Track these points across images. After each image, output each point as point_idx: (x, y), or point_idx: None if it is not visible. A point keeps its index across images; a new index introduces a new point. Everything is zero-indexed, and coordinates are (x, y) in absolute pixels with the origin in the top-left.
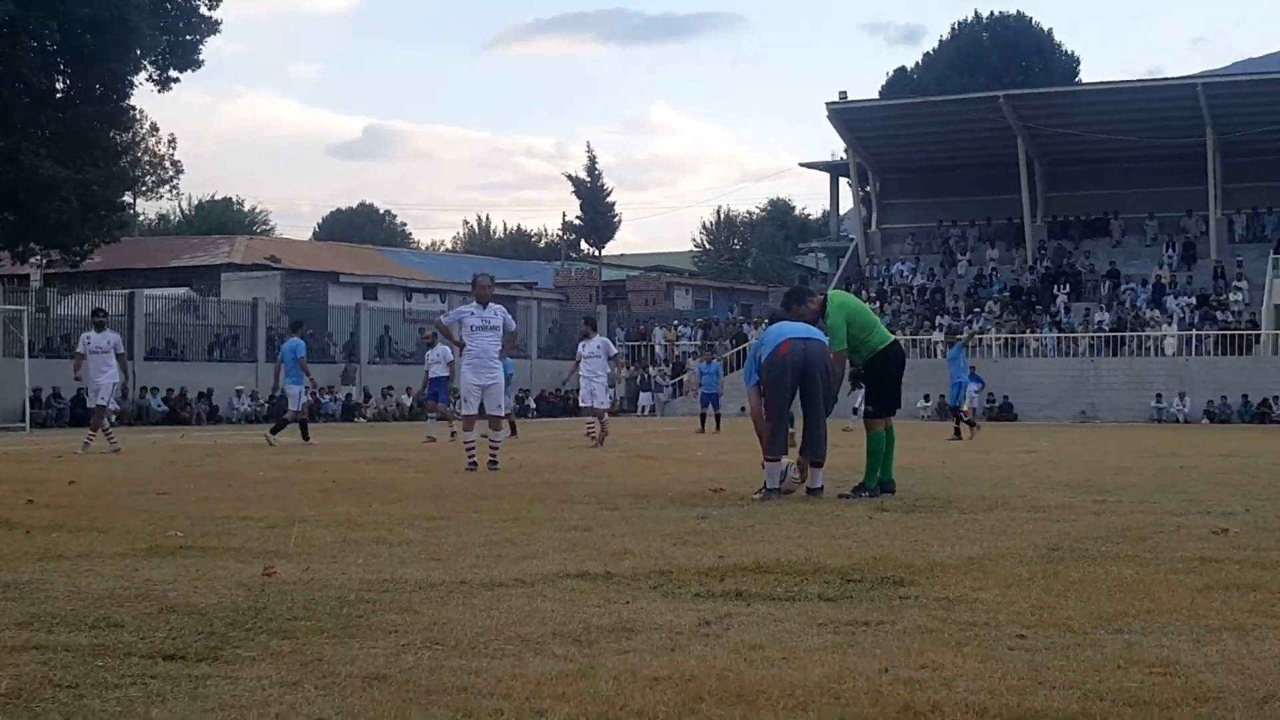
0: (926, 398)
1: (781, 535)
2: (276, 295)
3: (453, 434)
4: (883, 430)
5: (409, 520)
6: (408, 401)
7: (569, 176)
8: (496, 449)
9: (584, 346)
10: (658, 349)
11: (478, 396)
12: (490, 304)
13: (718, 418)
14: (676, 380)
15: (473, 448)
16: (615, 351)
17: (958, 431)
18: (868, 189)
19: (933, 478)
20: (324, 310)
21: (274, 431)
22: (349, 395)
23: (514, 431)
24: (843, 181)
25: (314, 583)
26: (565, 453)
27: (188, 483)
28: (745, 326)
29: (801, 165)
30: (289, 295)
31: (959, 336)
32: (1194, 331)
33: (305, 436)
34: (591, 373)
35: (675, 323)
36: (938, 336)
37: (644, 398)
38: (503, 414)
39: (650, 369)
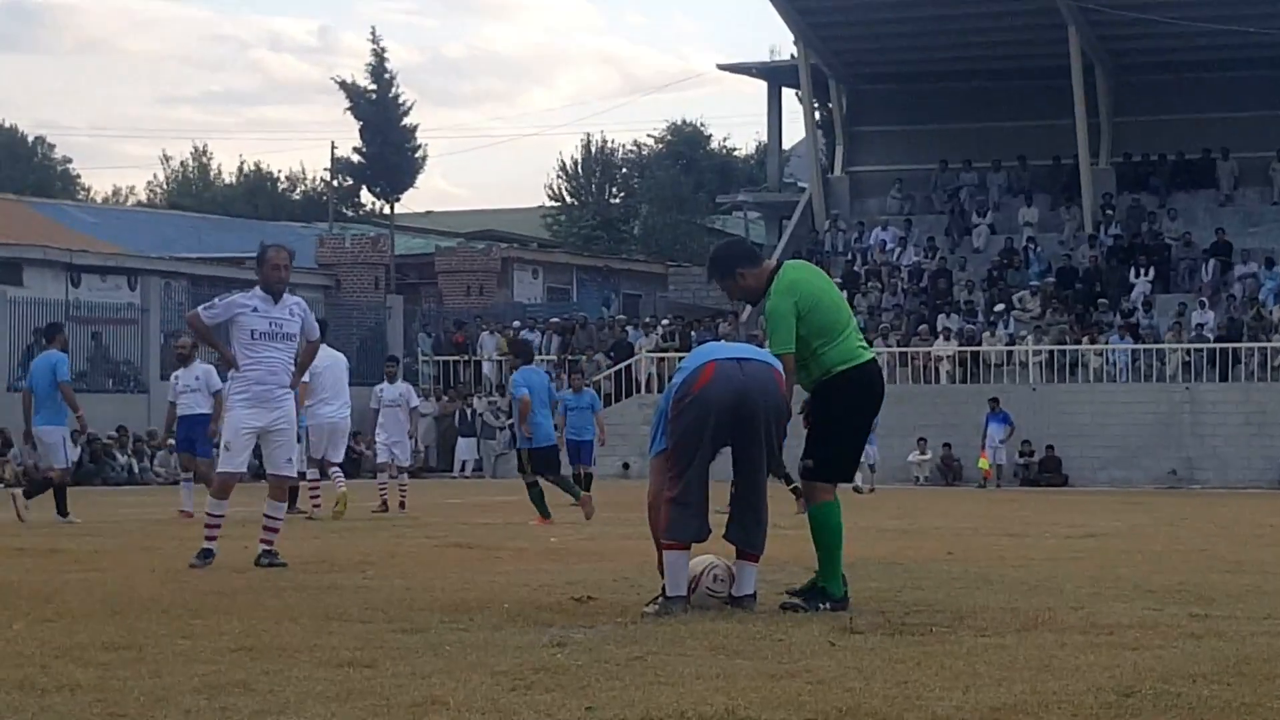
0: (922, 446)
1: (689, 673)
2: None
3: (190, 513)
4: (834, 500)
5: (75, 651)
6: (72, 454)
7: (340, 84)
8: (274, 531)
9: (383, 391)
10: (487, 368)
11: (249, 444)
12: (284, 295)
13: (588, 478)
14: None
15: (217, 525)
16: (417, 403)
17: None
18: (829, 108)
19: (933, 577)
20: None
21: (29, 494)
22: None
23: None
24: (788, 95)
25: None
26: (336, 536)
27: None
28: (632, 332)
29: (722, 68)
30: None
31: None
32: None
33: (62, 510)
34: (392, 421)
35: (516, 324)
36: (942, 348)
37: (464, 447)
38: (293, 474)
39: (475, 401)
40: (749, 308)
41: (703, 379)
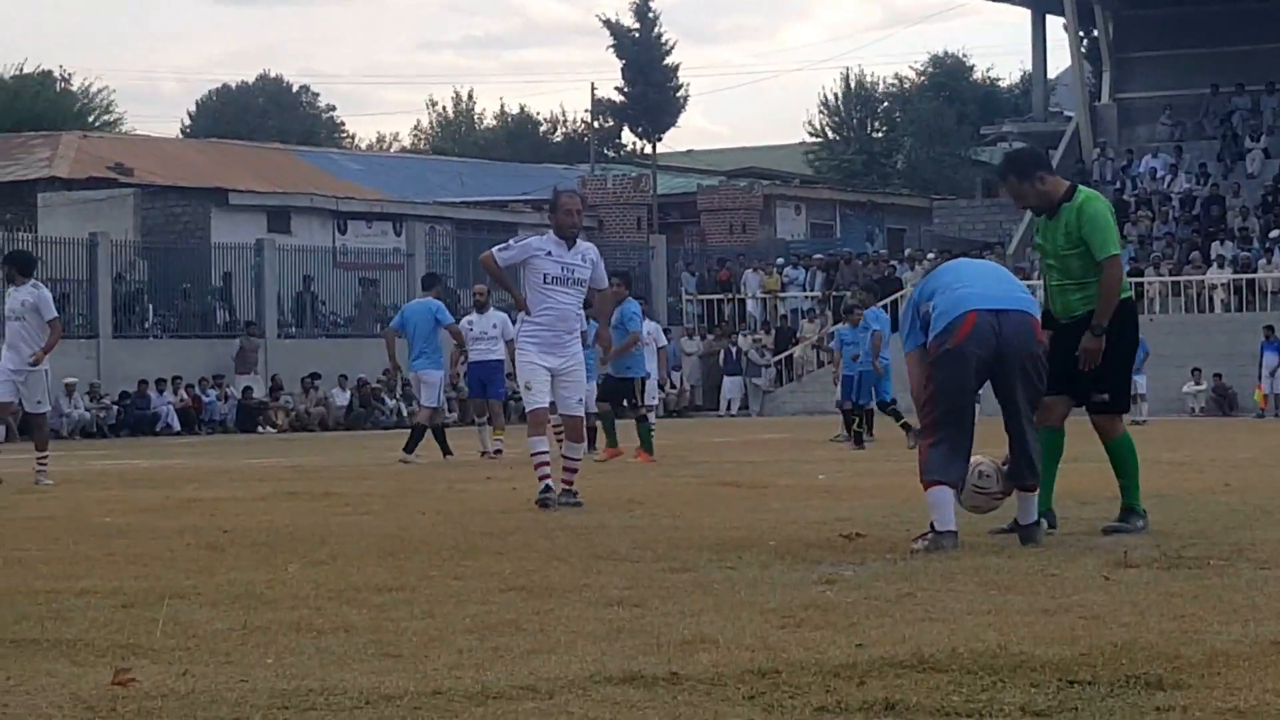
0: (1196, 376)
1: (960, 609)
2: (128, 227)
3: (496, 451)
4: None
5: (349, 593)
6: (343, 399)
7: (605, 23)
8: (573, 471)
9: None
10: (751, 306)
11: (547, 380)
12: (577, 241)
13: (869, 415)
14: (784, 356)
15: (547, 463)
16: (665, 343)
17: (859, 437)
18: (1094, 34)
19: (1210, 509)
20: (205, 251)
21: (409, 448)
22: (247, 389)
23: (592, 443)
24: (1052, 23)
25: (195, 697)
26: (604, 476)
27: None
28: (899, 267)
29: None
30: (148, 227)
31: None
32: None
33: (445, 448)
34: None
35: (780, 261)
36: (1216, 276)
37: (730, 386)
38: (583, 414)
39: (739, 339)
40: (1015, 239)
41: (961, 332)
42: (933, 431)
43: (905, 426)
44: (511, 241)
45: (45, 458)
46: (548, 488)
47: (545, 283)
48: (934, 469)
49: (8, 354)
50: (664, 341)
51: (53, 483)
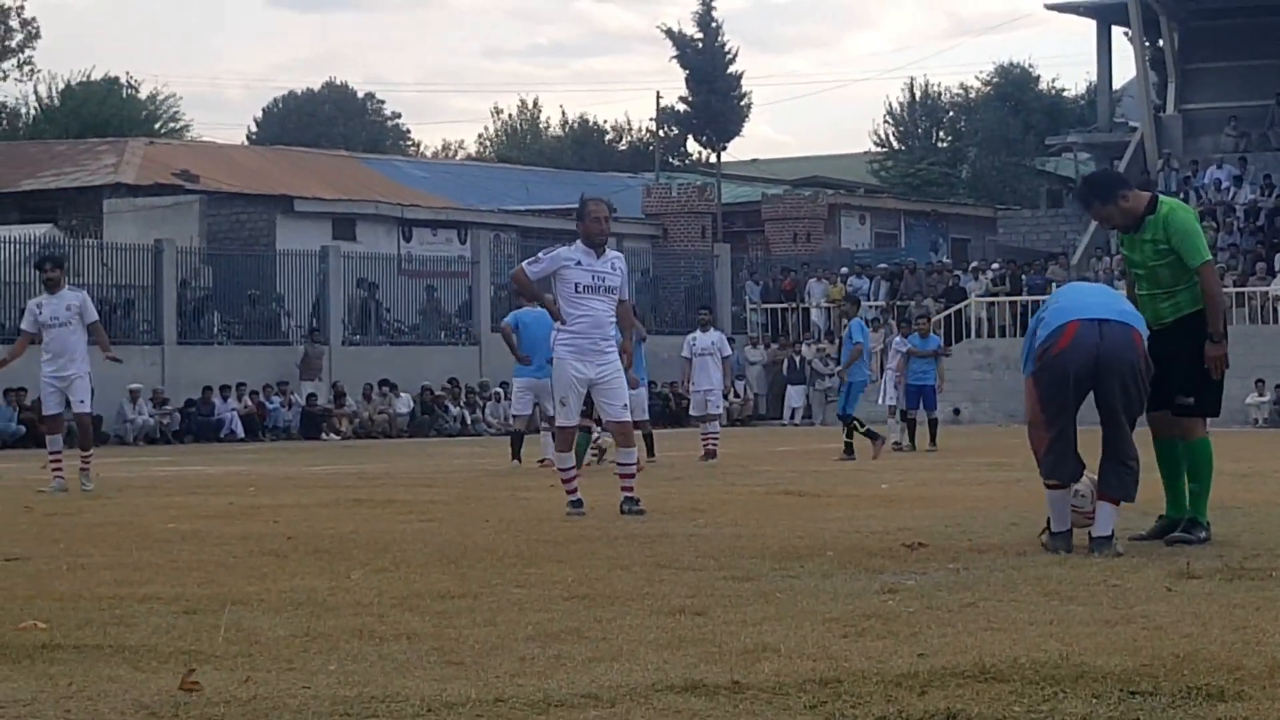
0: (1260, 387)
1: (1022, 619)
2: (193, 234)
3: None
4: (1208, 435)
5: (411, 600)
6: (407, 407)
7: (667, 32)
8: (631, 477)
9: (696, 340)
10: (815, 315)
11: (581, 395)
12: (606, 249)
13: (933, 425)
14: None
15: (574, 477)
16: (730, 352)
17: (849, 448)
18: (1160, 45)
19: (1273, 520)
20: (270, 258)
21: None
22: (311, 396)
23: (651, 451)
24: (1117, 34)
25: (257, 703)
26: (666, 485)
27: (55, 541)
28: (962, 276)
29: (1050, 8)
30: (214, 233)
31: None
32: None
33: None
34: (704, 369)
35: (844, 270)
36: None
37: (794, 395)
38: (630, 420)
39: (803, 348)
40: (1080, 249)
41: (1063, 341)
42: (1050, 431)
43: (870, 434)
44: (541, 254)
45: (89, 457)
46: (578, 501)
47: (577, 292)
48: (1052, 470)
49: (49, 364)
50: (728, 351)
51: (92, 486)
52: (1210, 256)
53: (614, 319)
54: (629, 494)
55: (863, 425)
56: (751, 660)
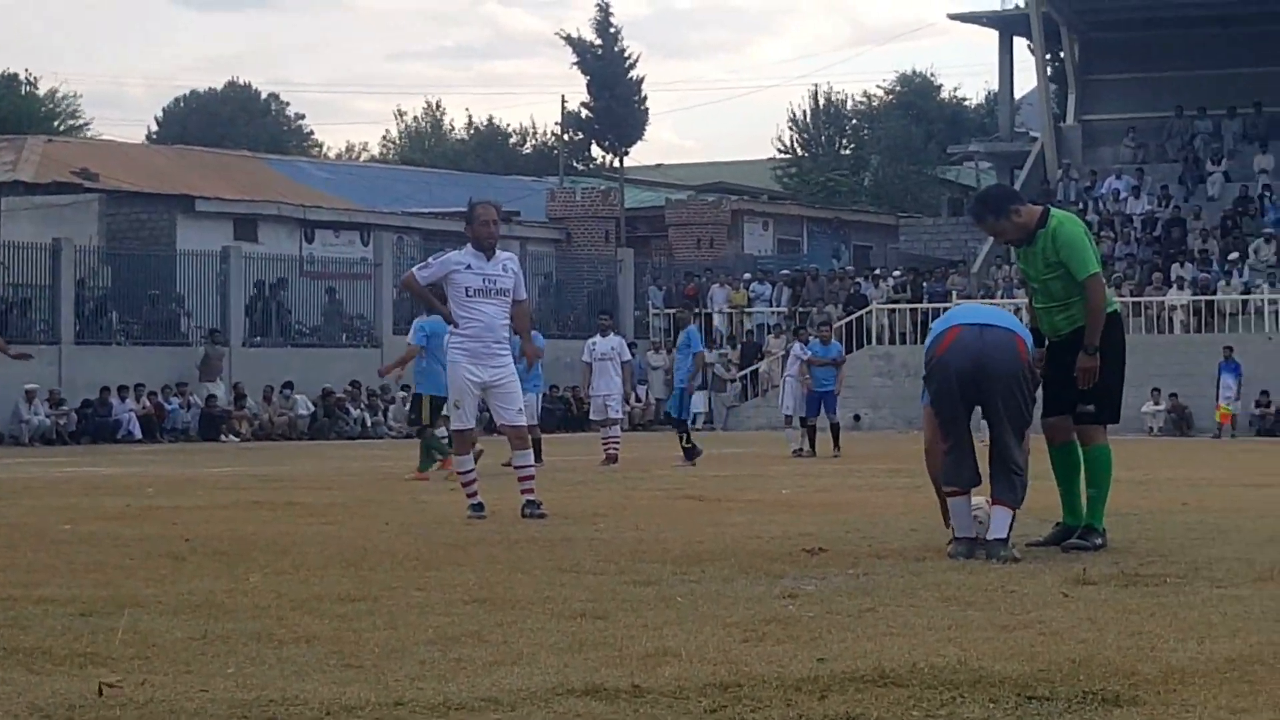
0: (1156, 396)
1: (921, 624)
2: (92, 233)
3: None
4: (1108, 443)
5: (311, 603)
6: (307, 409)
7: (568, 38)
8: (530, 479)
9: (596, 345)
10: (718, 321)
11: (476, 398)
12: (496, 251)
13: (835, 430)
14: (749, 371)
15: (474, 480)
16: (629, 357)
17: (687, 453)
18: (1060, 56)
19: (1168, 527)
20: (171, 258)
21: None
22: (210, 398)
23: (539, 456)
24: (1019, 45)
25: (154, 706)
26: (567, 489)
27: None
28: (863, 283)
29: (952, 17)
30: (113, 233)
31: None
32: None
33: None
34: (605, 374)
35: (747, 277)
36: (1176, 298)
37: (696, 400)
38: (525, 423)
39: (706, 354)
40: (980, 258)
41: (944, 344)
42: (946, 439)
43: (690, 448)
44: (431, 259)
45: None
46: (479, 504)
47: (468, 296)
48: (947, 477)
49: None
50: (628, 356)
51: None
52: (1097, 269)
53: (507, 321)
54: (529, 496)
55: (689, 438)
56: (652, 664)
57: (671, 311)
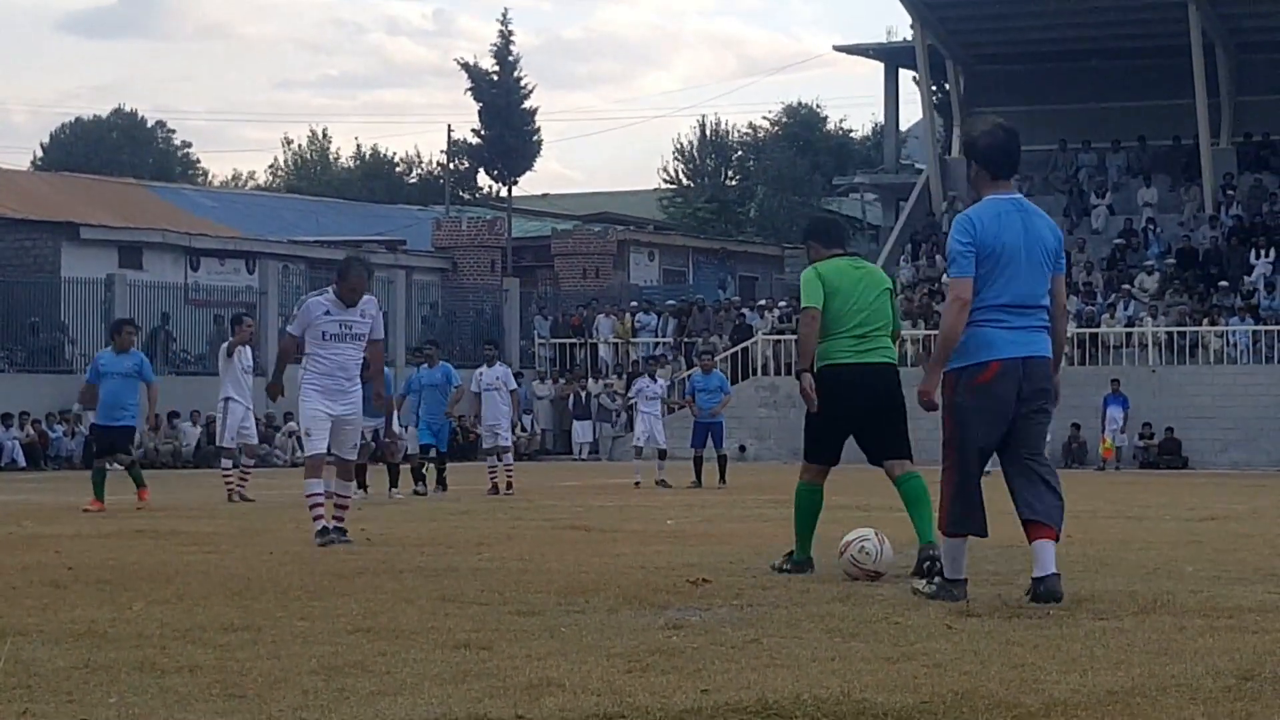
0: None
1: (805, 656)
2: None
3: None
4: (815, 484)
5: (195, 632)
6: (194, 435)
7: (463, 65)
8: (345, 509)
9: (483, 375)
10: (603, 351)
11: (327, 427)
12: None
13: (722, 461)
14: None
15: (321, 504)
16: (515, 386)
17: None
18: (946, 88)
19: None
20: (55, 285)
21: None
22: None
23: (442, 484)
24: (905, 77)
25: None
26: (453, 519)
27: None
28: (749, 314)
29: (838, 49)
30: None
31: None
32: None
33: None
34: (492, 404)
35: (633, 306)
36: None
37: (580, 430)
38: (355, 459)
39: (590, 384)
40: None
41: (989, 372)
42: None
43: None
44: (296, 311)
45: None
46: (324, 529)
47: (325, 339)
48: (953, 521)
49: None
50: (514, 385)
51: None
52: (807, 305)
53: (359, 362)
54: (339, 524)
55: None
56: (536, 695)
57: (616, 341)
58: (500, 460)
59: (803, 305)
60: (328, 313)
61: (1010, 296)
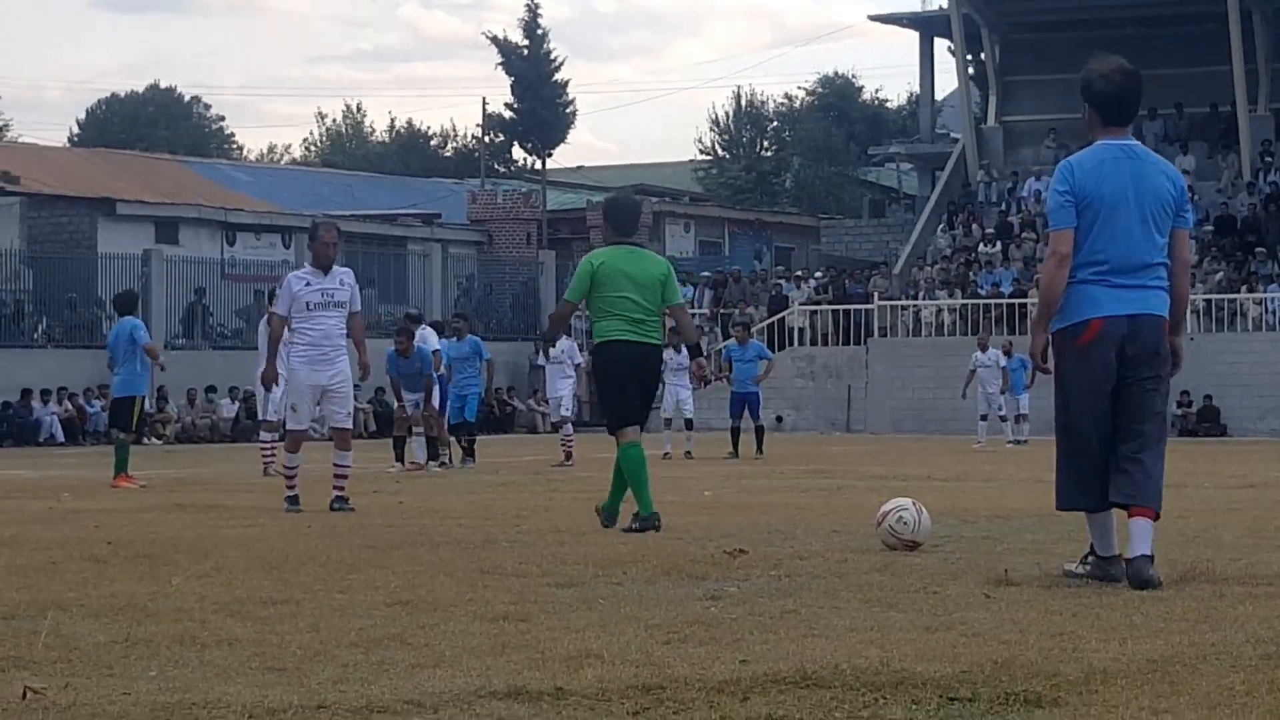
0: None
1: (843, 626)
2: (13, 237)
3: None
4: (634, 441)
5: (234, 606)
6: (231, 411)
7: (493, 39)
8: (345, 479)
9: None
10: None
11: (314, 402)
12: (334, 268)
13: (759, 432)
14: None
15: (295, 475)
16: (580, 360)
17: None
18: (981, 57)
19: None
20: (92, 261)
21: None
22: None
23: (472, 455)
24: (940, 46)
25: (76, 709)
26: (491, 491)
27: None
28: (785, 285)
29: (873, 19)
30: (34, 236)
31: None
32: None
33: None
34: (555, 377)
35: None
36: None
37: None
38: (351, 426)
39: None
40: (902, 259)
41: (1091, 331)
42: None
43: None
44: (278, 290)
45: None
46: (294, 499)
47: (309, 309)
48: (1064, 499)
49: None
50: (579, 358)
51: None
52: (567, 298)
53: (344, 331)
54: (340, 493)
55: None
56: (574, 666)
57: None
58: (559, 431)
59: (566, 298)
60: (308, 283)
61: (1115, 250)
